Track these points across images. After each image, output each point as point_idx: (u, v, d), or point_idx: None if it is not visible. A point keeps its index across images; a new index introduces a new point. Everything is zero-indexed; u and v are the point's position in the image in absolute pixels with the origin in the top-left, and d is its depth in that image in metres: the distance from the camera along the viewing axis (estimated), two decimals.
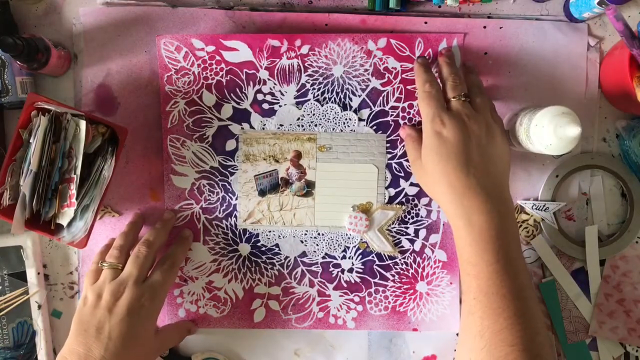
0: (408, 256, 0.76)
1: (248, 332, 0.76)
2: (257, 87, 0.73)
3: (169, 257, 0.70)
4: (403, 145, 0.74)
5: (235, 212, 0.75)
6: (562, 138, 0.63)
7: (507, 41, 0.75)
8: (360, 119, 0.74)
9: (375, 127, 0.74)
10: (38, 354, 0.74)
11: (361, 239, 0.75)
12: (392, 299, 0.76)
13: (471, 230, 0.61)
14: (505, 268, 0.60)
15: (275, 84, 0.73)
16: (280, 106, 0.74)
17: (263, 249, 0.75)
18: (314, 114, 0.74)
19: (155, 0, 0.74)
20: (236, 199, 0.75)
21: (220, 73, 0.73)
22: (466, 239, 0.62)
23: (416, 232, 0.75)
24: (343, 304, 0.76)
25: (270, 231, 0.75)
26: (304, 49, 0.73)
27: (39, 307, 0.74)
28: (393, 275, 0.76)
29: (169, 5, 0.74)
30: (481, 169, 0.63)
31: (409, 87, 0.73)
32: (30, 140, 0.64)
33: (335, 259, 0.76)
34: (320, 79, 0.73)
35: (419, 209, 0.75)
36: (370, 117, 0.74)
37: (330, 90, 0.74)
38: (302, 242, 0.75)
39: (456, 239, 0.64)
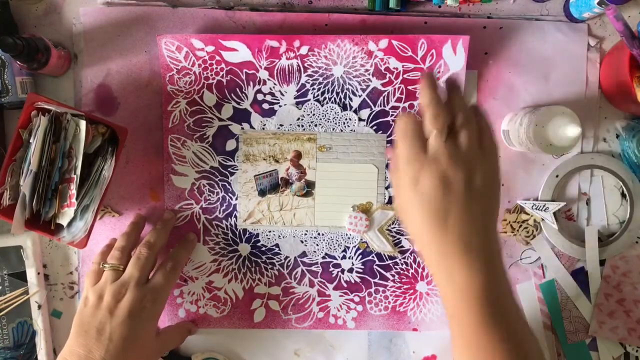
0: (408, 256, 0.76)
1: (248, 331, 0.76)
2: (257, 87, 0.73)
3: (172, 259, 0.70)
4: None
5: (235, 212, 0.75)
6: (562, 138, 0.64)
7: (507, 41, 0.75)
8: (360, 119, 0.74)
9: (375, 127, 0.74)
10: (38, 354, 0.74)
11: (361, 239, 0.75)
12: (392, 299, 0.76)
13: (454, 287, 0.54)
14: (493, 322, 0.53)
15: (275, 84, 0.73)
16: (280, 106, 0.74)
17: (263, 249, 0.75)
18: (314, 114, 0.74)
19: (155, 0, 0.74)
20: (236, 199, 0.75)
21: (221, 73, 0.73)
22: (449, 295, 0.55)
23: None
24: (343, 304, 0.76)
25: (270, 231, 0.75)
26: (303, 50, 0.73)
27: (39, 307, 0.74)
28: (393, 275, 0.76)
29: (169, 5, 0.74)
30: (462, 221, 0.54)
31: (410, 87, 0.73)
32: (30, 140, 0.64)
33: (335, 259, 0.76)
34: (320, 79, 0.73)
35: None
36: (371, 117, 0.74)
37: (330, 90, 0.74)
38: (302, 242, 0.75)
39: (440, 293, 0.58)
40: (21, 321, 0.74)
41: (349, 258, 0.75)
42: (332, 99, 0.74)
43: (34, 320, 0.74)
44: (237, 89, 0.73)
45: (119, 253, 0.68)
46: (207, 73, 0.73)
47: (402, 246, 0.75)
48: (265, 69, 0.73)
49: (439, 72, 0.73)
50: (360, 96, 0.74)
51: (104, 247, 0.72)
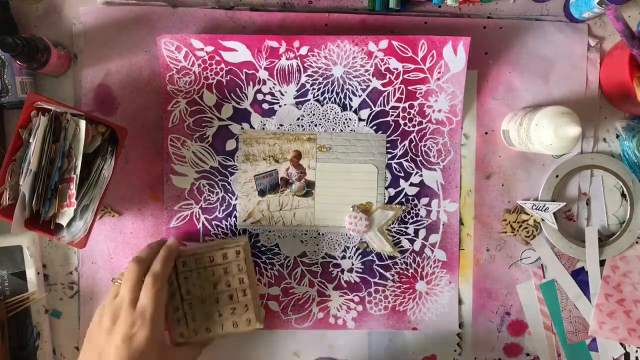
0: (408, 256, 0.76)
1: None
2: (256, 87, 0.73)
3: (150, 275, 0.65)
4: (404, 145, 0.74)
5: (235, 212, 0.75)
6: (562, 138, 0.64)
7: (507, 41, 0.75)
8: (360, 119, 0.74)
9: (375, 127, 0.74)
10: (38, 354, 0.74)
11: (361, 239, 0.75)
12: (392, 299, 0.76)
13: None
14: None
15: (275, 84, 0.73)
16: (280, 106, 0.74)
17: (263, 249, 0.75)
18: (313, 114, 0.74)
19: (155, 0, 0.74)
20: (236, 199, 0.75)
21: (221, 73, 0.73)
22: None
23: (416, 232, 0.75)
24: (343, 304, 0.76)
25: (270, 231, 0.75)
26: (303, 50, 0.73)
27: (46, 311, 0.74)
28: (393, 275, 0.76)
29: (169, 5, 0.74)
30: None
31: (410, 87, 0.73)
32: (30, 140, 0.64)
33: (335, 259, 0.75)
34: (320, 79, 0.73)
35: (418, 209, 0.75)
36: (371, 117, 0.74)
37: (330, 90, 0.74)
38: (302, 242, 0.75)
39: None
40: (24, 322, 0.74)
41: (349, 258, 0.75)
42: (332, 99, 0.74)
43: (35, 322, 0.74)
44: (237, 89, 0.73)
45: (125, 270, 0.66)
46: (207, 73, 0.73)
47: (402, 246, 0.75)
48: (265, 69, 0.73)
49: (439, 72, 0.73)
50: (360, 96, 0.74)
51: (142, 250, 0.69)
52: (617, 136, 0.76)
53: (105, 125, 0.67)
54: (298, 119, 0.74)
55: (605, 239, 0.76)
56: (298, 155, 0.74)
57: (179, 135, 0.74)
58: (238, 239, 0.73)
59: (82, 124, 0.64)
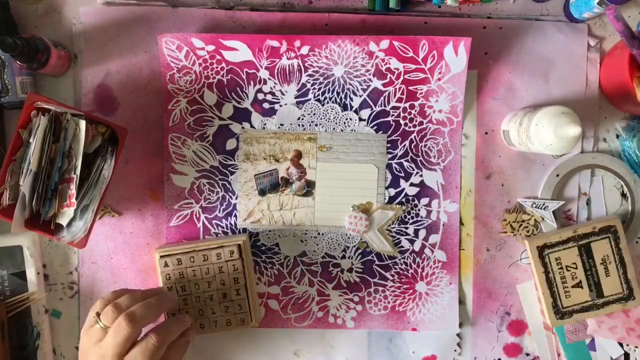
0: (408, 256, 0.76)
1: (247, 331, 0.76)
2: (257, 86, 0.73)
3: (158, 334, 0.60)
4: (404, 146, 0.74)
5: (235, 211, 0.75)
6: (562, 138, 0.64)
7: (507, 41, 0.75)
8: (360, 119, 0.74)
9: (375, 127, 0.74)
10: (38, 354, 0.74)
11: (361, 239, 0.75)
12: (392, 299, 0.76)
13: None
14: None
15: (275, 83, 0.73)
16: (280, 106, 0.74)
17: (263, 248, 0.75)
18: (314, 114, 0.74)
19: (155, 0, 0.74)
20: (236, 198, 0.75)
21: (221, 72, 0.73)
22: None
23: (416, 232, 0.75)
24: (342, 303, 0.76)
25: (270, 230, 0.75)
26: (304, 50, 0.73)
27: (46, 311, 0.74)
28: (392, 275, 0.76)
29: (169, 5, 0.74)
30: None
31: (410, 87, 0.74)
32: (30, 140, 0.64)
33: (335, 258, 0.76)
34: (321, 79, 0.73)
35: (418, 209, 0.75)
36: (371, 117, 0.74)
37: (330, 90, 0.74)
38: (302, 241, 0.75)
39: None
40: (24, 322, 0.74)
41: (349, 258, 0.75)
42: (333, 98, 0.74)
43: (35, 322, 0.74)
44: (238, 88, 0.73)
45: (114, 313, 0.59)
46: (208, 72, 0.73)
47: (402, 246, 0.75)
48: (266, 68, 0.73)
49: (440, 72, 0.73)
50: (360, 96, 0.74)
51: (111, 293, 0.63)
52: (617, 136, 0.76)
53: (105, 125, 0.67)
54: (299, 118, 0.74)
55: None
56: (298, 154, 0.74)
57: (179, 134, 0.74)
58: (237, 236, 0.73)
59: (82, 124, 0.64)
